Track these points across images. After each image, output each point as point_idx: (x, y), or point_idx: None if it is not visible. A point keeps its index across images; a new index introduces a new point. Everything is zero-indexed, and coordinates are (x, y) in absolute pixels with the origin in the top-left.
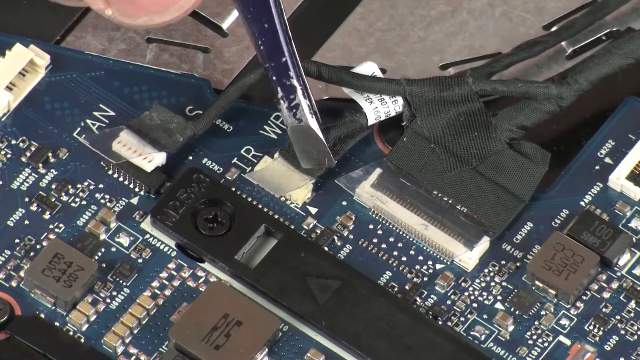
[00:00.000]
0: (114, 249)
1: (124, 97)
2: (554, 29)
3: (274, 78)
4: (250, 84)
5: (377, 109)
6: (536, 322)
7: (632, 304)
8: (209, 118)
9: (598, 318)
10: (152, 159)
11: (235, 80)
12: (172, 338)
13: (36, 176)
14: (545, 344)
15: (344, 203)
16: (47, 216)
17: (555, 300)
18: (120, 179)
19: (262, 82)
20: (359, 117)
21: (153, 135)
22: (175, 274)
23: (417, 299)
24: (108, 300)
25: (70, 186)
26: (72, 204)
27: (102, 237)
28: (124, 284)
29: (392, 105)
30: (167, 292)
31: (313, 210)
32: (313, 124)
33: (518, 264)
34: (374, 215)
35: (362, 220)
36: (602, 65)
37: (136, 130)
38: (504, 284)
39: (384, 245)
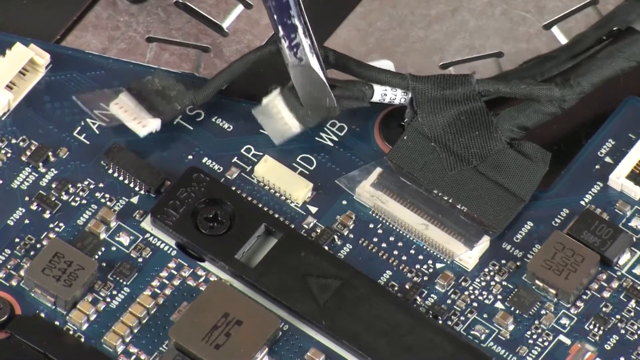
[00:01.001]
0: (114, 248)
1: None
2: (562, 39)
3: (275, 17)
4: (255, 60)
5: (385, 91)
6: (536, 322)
7: (632, 303)
8: (210, 89)
9: (598, 317)
10: (146, 124)
11: (241, 57)
12: (172, 337)
13: (36, 175)
14: (546, 344)
15: (344, 202)
16: (47, 215)
17: (556, 299)
18: (120, 178)
19: (263, 77)
20: (367, 90)
21: (151, 101)
22: (175, 273)
23: (417, 298)
24: (108, 300)
25: (70, 185)
26: (72, 203)
27: (102, 236)
28: (124, 283)
29: (401, 95)
30: (167, 292)
31: (313, 209)
32: (314, 62)
33: (518, 264)
34: (374, 215)
35: (362, 219)
36: (604, 68)
37: (135, 93)
38: (504, 283)
39: (384, 245)
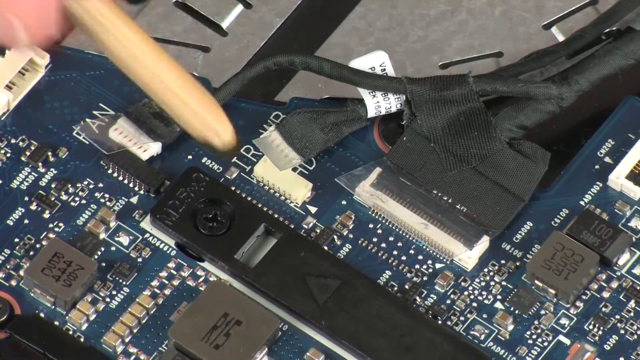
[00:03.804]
0: (113, 248)
1: (124, 96)
2: (561, 38)
3: None
4: (251, 77)
5: (378, 103)
6: (536, 322)
7: (632, 303)
8: None
9: (598, 317)
10: (147, 149)
11: (236, 74)
12: (171, 337)
13: (36, 175)
14: (545, 344)
15: (344, 202)
16: (46, 215)
17: (555, 299)
18: (120, 178)
19: (263, 77)
20: (360, 108)
21: (150, 124)
22: (174, 273)
23: (417, 298)
24: (108, 300)
25: (69, 185)
26: (72, 203)
27: (102, 236)
28: (124, 283)
29: (395, 102)
30: (167, 292)
31: (313, 209)
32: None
33: (518, 264)
34: (373, 215)
35: (362, 219)
36: (602, 66)
37: (133, 118)
38: (504, 283)
39: (383, 245)
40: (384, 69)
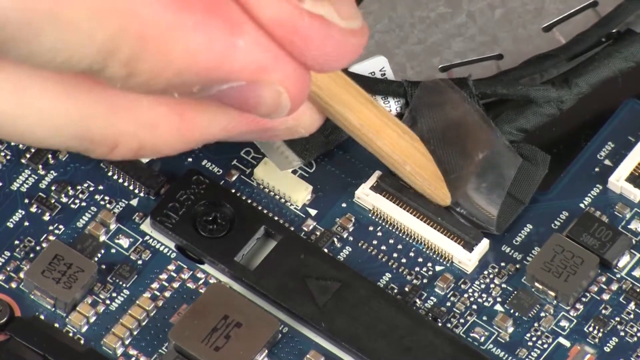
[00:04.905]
0: (113, 251)
1: None
2: (563, 41)
3: None
4: None
5: None
6: (536, 324)
7: (632, 305)
8: None
9: (597, 320)
10: None
11: None
12: (171, 339)
13: (36, 177)
14: (545, 346)
15: (344, 205)
16: (46, 217)
17: (555, 301)
18: (120, 180)
19: None
20: None
21: None
22: (175, 275)
23: (417, 300)
24: (108, 302)
25: (70, 187)
26: (72, 206)
27: (102, 238)
28: (124, 285)
29: (395, 105)
30: (167, 294)
31: (313, 212)
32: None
33: (518, 266)
34: (373, 217)
35: (362, 222)
36: (602, 68)
37: None
38: (504, 285)
39: (383, 247)
40: (384, 74)
